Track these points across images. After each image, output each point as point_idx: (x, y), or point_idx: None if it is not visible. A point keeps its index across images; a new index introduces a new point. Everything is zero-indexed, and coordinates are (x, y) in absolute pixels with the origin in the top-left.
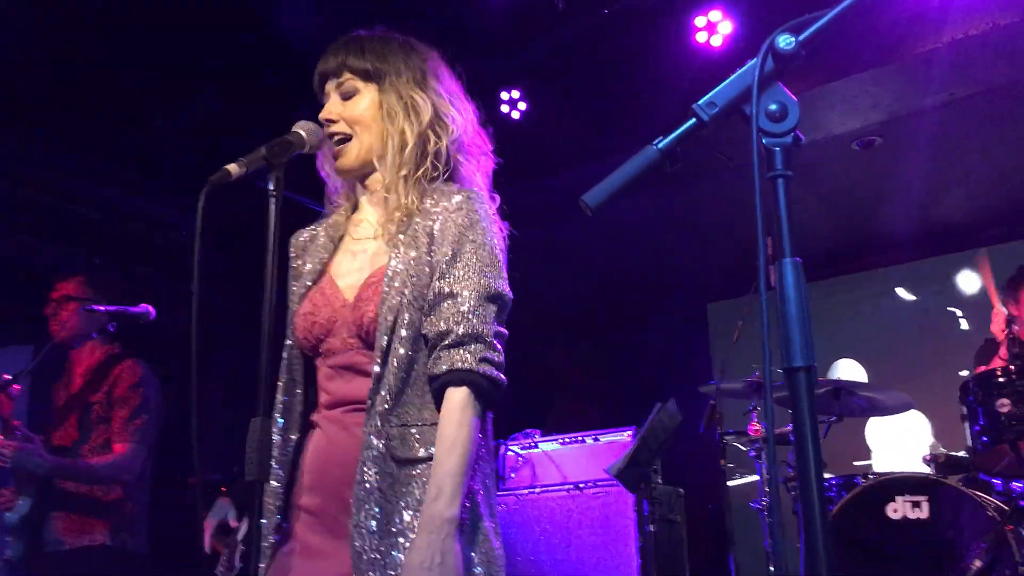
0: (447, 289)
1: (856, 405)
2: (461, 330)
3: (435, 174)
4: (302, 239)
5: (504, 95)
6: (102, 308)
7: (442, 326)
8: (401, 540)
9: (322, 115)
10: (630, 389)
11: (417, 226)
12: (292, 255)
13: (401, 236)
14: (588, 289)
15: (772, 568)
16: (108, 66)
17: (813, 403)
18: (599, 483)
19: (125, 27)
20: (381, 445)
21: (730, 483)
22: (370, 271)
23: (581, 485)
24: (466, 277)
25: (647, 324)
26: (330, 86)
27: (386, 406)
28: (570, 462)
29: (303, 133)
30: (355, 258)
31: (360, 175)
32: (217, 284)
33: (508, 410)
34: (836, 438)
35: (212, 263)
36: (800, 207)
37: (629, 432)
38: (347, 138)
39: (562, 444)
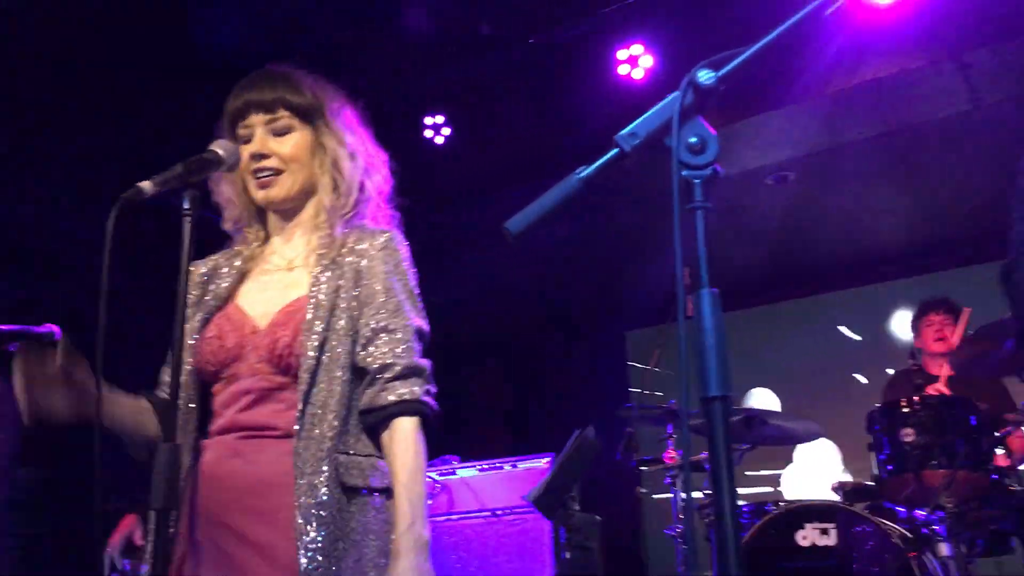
0: (383, 324)
1: (768, 434)
2: (403, 363)
3: (355, 211)
4: (203, 270)
5: (428, 119)
6: (4, 328)
7: (385, 360)
8: (344, 563)
9: (254, 150)
10: (549, 416)
11: (342, 260)
12: (192, 283)
13: (326, 270)
14: (508, 316)
15: None
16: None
17: (728, 432)
18: (516, 510)
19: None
20: (327, 471)
21: (646, 510)
22: (285, 300)
23: (499, 512)
24: (399, 314)
25: (567, 351)
26: (257, 119)
27: (330, 433)
28: (488, 489)
29: (221, 152)
30: (266, 288)
31: (283, 208)
32: (126, 303)
33: (426, 436)
34: (749, 465)
35: (121, 282)
36: (718, 238)
37: (547, 459)
38: (278, 172)
39: (480, 471)
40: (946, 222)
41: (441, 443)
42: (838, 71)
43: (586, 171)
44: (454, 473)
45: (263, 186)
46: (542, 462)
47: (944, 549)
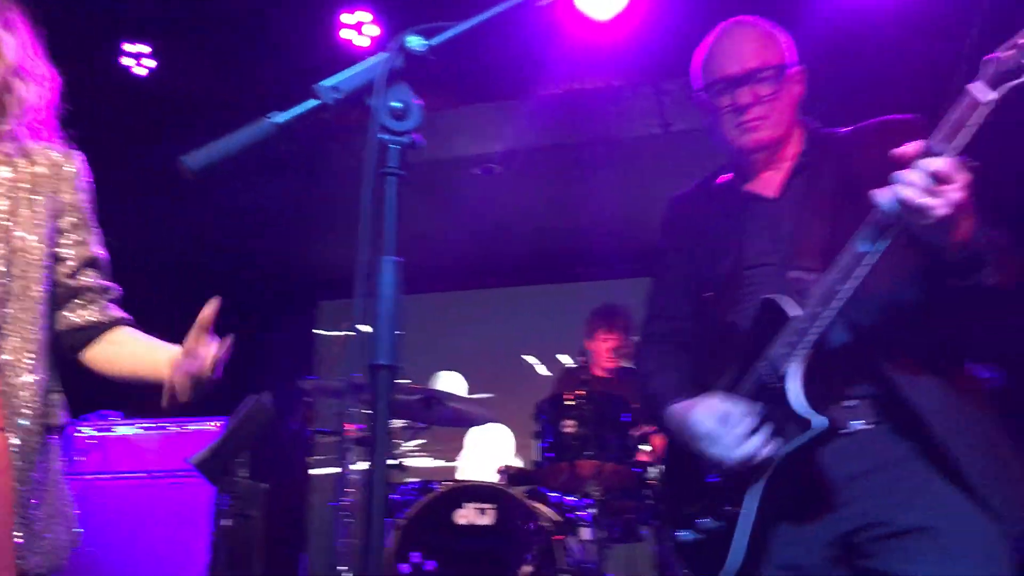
0: (86, 252)
1: (447, 416)
2: (103, 284)
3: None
4: None
5: (128, 47)
6: None
7: (88, 281)
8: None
9: None
10: (226, 378)
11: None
12: None
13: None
14: (197, 270)
15: (340, 567)
16: None
17: (390, 402)
18: (178, 473)
19: None
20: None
21: (315, 481)
22: None
23: (157, 474)
24: (93, 237)
25: (255, 315)
26: None
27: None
28: (150, 449)
29: None
30: None
31: None
32: None
33: (86, 389)
34: (427, 445)
35: None
36: (424, 220)
37: (219, 422)
38: None
39: (144, 429)
40: (622, 234)
41: (103, 397)
42: (550, 76)
43: (280, 117)
44: (111, 430)
45: None
46: (212, 425)
47: (586, 533)
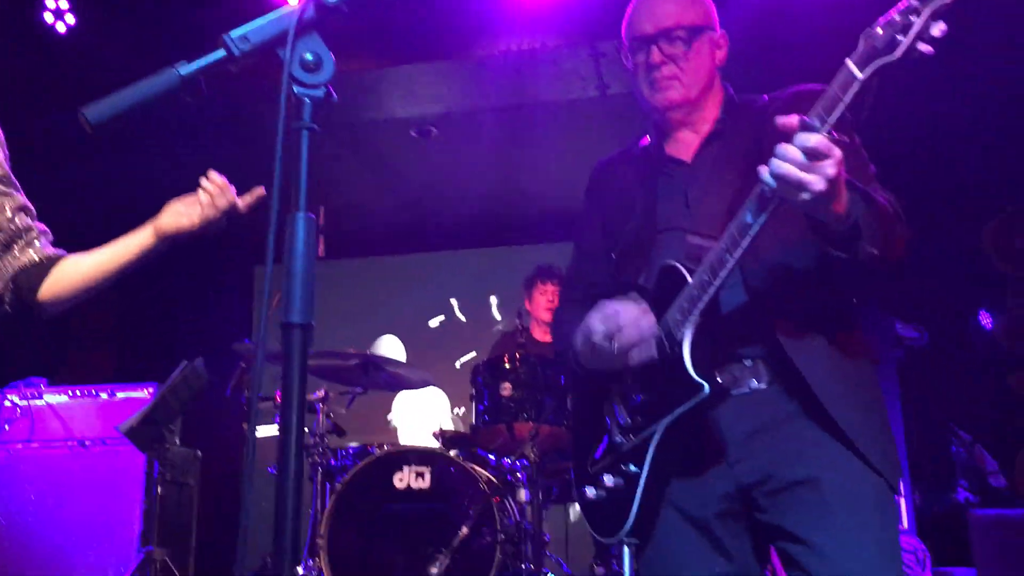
0: (16, 201)
1: (383, 380)
2: (41, 226)
3: None
4: None
5: (49, 2)
6: None
7: (27, 221)
8: None
9: None
10: (158, 345)
11: None
12: None
13: None
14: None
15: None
16: None
17: (304, 361)
18: (108, 441)
19: None
20: None
21: (251, 448)
22: None
23: (87, 442)
24: (19, 192)
25: (189, 280)
26: None
27: None
28: (79, 417)
29: None
30: None
31: None
32: None
33: (11, 354)
34: (364, 409)
35: None
36: (365, 184)
37: (150, 389)
38: None
39: (71, 397)
40: (561, 197)
41: (30, 363)
42: (489, 36)
43: (187, 67)
44: (40, 397)
45: None
46: (144, 392)
47: (523, 495)
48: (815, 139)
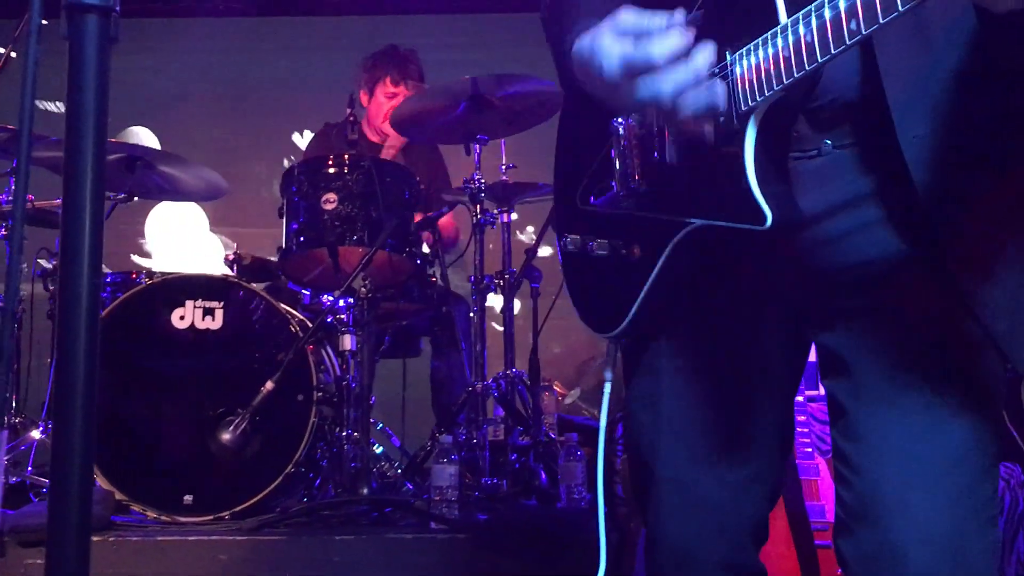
0: None
1: (154, 183)
2: None
3: None
4: None
5: None
6: None
7: None
8: None
9: None
10: None
11: None
12: None
13: None
14: None
15: None
16: None
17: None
18: None
19: None
20: None
21: None
22: None
23: None
24: None
25: None
26: None
27: None
28: None
29: None
30: None
31: None
32: None
33: None
34: (121, 223)
35: None
36: None
37: None
38: None
39: None
40: None
41: None
42: None
43: None
44: None
45: None
46: None
47: (348, 342)
48: None
